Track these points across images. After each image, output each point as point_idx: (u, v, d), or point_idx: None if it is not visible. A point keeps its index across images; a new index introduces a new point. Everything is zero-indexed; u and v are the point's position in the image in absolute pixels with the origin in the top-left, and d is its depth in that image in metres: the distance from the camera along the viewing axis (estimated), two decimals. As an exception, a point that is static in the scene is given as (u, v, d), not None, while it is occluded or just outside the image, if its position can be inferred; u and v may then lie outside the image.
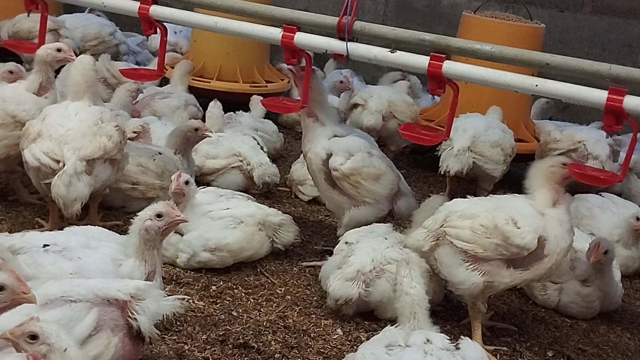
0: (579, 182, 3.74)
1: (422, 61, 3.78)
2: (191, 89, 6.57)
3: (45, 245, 3.13)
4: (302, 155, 4.56)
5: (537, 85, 3.59)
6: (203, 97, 6.54)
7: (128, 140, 5.04)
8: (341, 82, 7.80)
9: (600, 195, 5.08)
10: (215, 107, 5.83)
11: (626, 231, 4.62)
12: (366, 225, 4.10)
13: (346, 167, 4.11)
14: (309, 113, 4.24)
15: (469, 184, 5.89)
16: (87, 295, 2.67)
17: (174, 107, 6.09)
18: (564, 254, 3.49)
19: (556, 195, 3.51)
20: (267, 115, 6.27)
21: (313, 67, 4.29)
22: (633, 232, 4.59)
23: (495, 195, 3.80)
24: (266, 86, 6.97)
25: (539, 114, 7.31)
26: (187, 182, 3.98)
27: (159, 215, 3.12)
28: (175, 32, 7.82)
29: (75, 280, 2.81)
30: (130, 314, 2.74)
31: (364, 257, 3.71)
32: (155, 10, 4.32)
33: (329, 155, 4.15)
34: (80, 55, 4.34)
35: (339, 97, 7.34)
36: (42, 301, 2.61)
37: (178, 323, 3.43)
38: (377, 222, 4.28)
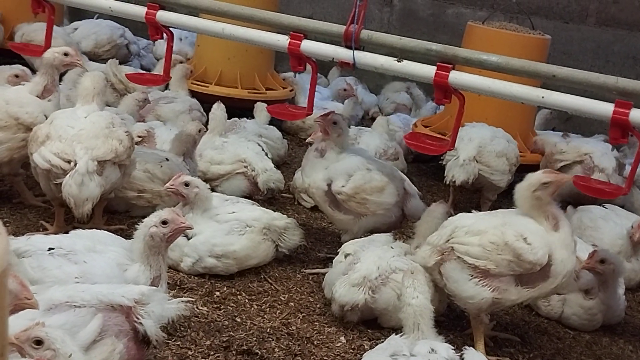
0: (583, 194, 3.73)
1: (428, 71, 3.79)
2: (191, 93, 6.60)
3: (50, 249, 3.13)
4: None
5: (543, 97, 3.60)
6: (202, 101, 6.57)
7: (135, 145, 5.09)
8: (345, 89, 7.82)
9: (603, 206, 5.08)
10: (218, 109, 5.84)
11: (627, 243, 4.62)
12: (377, 232, 4.14)
13: (348, 188, 4.14)
14: (322, 150, 4.25)
15: (472, 193, 5.89)
16: (92, 301, 2.67)
17: (179, 111, 6.11)
18: (569, 277, 3.47)
19: (553, 219, 3.46)
20: (272, 122, 6.28)
21: (339, 115, 4.31)
22: (629, 240, 4.59)
23: (499, 210, 3.79)
24: (265, 93, 6.96)
25: (543, 124, 7.32)
26: (187, 184, 3.98)
27: (164, 222, 3.12)
28: (181, 39, 7.84)
29: (79, 286, 2.81)
30: (136, 319, 2.74)
31: (370, 264, 3.71)
32: (163, 15, 4.35)
33: (330, 184, 4.18)
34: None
35: (342, 103, 7.38)
36: (46, 306, 2.61)
37: (182, 328, 3.43)
38: (387, 228, 4.33)
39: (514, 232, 3.42)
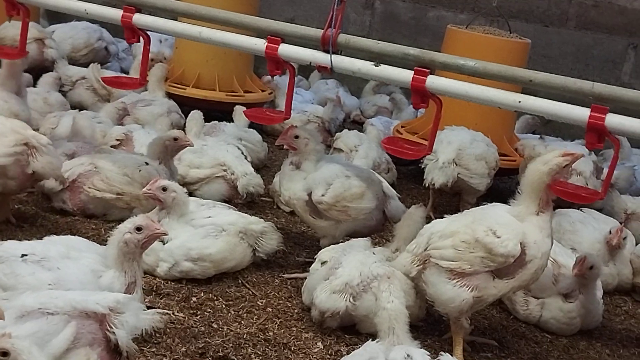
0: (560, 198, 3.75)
1: (406, 75, 3.79)
2: (169, 96, 6.56)
3: (23, 255, 3.09)
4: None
5: (520, 102, 3.61)
6: (180, 104, 6.55)
7: (113, 149, 5.06)
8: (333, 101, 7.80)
9: (581, 210, 5.11)
10: (196, 112, 5.81)
11: (605, 247, 4.65)
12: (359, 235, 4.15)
13: (329, 197, 4.14)
14: (296, 163, 4.25)
15: (452, 196, 5.91)
16: (65, 308, 2.63)
17: (157, 114, 6.07)
18: (546, 258, 3.48)
19: (545, 205, 3.46)
20: (251, 125, 6.26)
21: (298, 128, 4.30)
22: (605, 245, 4.61)
23: (471, 209, 3.80)
24: (244, 96, 6.93)
25: (524, 128, 7.35)
26: (164, 189, 3.95)
27: (138, 229, 3.10)
28: (160, 41, 7.79)
29: (53, 292, 2.77)
30: (109, 328, 2.71)
31: (352, 269, 3.68)
32: (139, 18, 4.31)
33: (310, 193, 4.17)
34: None
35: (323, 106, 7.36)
36: (18, 313, 2.58)
37: (157, 335, 3.39)
38: (369, 231, 4.35)
39: (483, 227, 3.42)
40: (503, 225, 3.43)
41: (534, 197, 3.49)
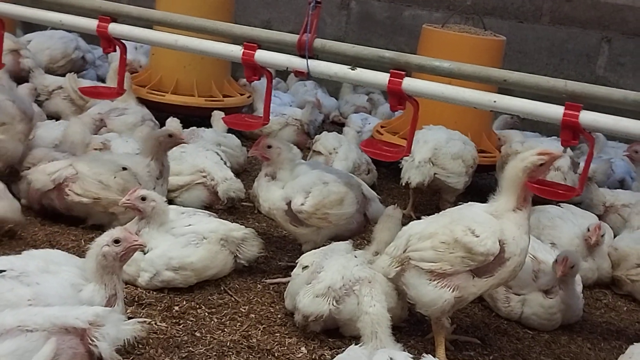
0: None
1: (382, 78, 3.80)
2: (147, 103, 6.53)
3: (1, 271, 3.06)
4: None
5: (495, 102, 3.63)
6: (159, 110, 6.52)
7: (97, 151, 5.05)
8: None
9: (559, 206, 5.16)
10: (173, 120, 5.78)
11: (583, 243, 4.70)
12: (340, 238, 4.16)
13: (308, 206, 4.12)
14: (271, 174, 4.25)
15: (431, 195, 5.94)
16: (45, 324, 2.63)
17: (131, 124, 6.02)
18: (525, 254, 3.50)
19: (523, 201, 3.50)
20: (230, 129, 6.24)
21: (269, 139, 4.31)
22: (584, 242, 4.66)
23: (448, 209, 3.82)
24: (222, 100, 6.92)
25: (503, 126, 7.41)
26: (143, 198, 3.94)
27: (116, 241, 3.09)
28: (136, 48, 7.76)
29: (31, 309, 2.76)
30: (90, 341, 2.70)
31: (334, 273, 3.69)
32: (115, 28, 4.29)
33: (289, 202, 4.17)
34: None
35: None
36: (-3, 332, 2.57)
37: (140, 346, 3.38)
38: (351, 234, 4.35)
39: (462, 227, 3.44)
40: (481, 224, 3.45)
41: (511, 194, 3.51)
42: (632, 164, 6.47)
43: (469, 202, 3.72)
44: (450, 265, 3.43)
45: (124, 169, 4.58)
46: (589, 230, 4.65)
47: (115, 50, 4.45)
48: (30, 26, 8.02)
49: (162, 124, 5.88)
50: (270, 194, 4.22)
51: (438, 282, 3.47)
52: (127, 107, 6.19)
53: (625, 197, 5.74)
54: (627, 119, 3.40)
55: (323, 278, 3.68)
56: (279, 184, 4.22)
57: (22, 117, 4.71)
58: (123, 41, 4.40)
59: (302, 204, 4.12)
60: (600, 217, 5.31)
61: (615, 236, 5.08)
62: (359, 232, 4.52)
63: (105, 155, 4.85)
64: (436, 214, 3.80)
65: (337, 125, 7.99)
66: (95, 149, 5.26)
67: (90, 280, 3.11)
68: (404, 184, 5.40)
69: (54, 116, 6.29)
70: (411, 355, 2.96)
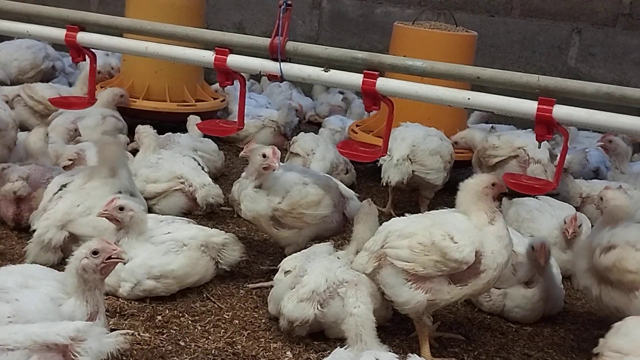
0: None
1: (355, 79, 3.81)
2: (119, 109, 6.47)
3: (-21, 289, 3.02)
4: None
5: (469, 99, 3.65)
6: (131, 116, 6.48)
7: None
8: (296, 110, 7.80)
9: (536, 198, 5.19)
10: (147, 127, 5.69)
11: (561, 234, 4.74)
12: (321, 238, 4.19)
13: (285, 205, 4.13)
14: (259, 185, 4.21)
15: (410, 192, 5.95)
16: (25, 342, 2.58)
17: (93, 126, 5.95)
18: (500, 269, 3.50)
19: (492, 214, 3.53)
20: (206, 134, 6.21)
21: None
22: (562, 235, 4.70)
23: (432, 212, 3.83)
24: (195, 105, 6.88)
25: (478, 120, 7.45)
26: (121, 208, 3.91)
27: (94, 253, 3.05)
28: (108, 54, 7.69)
29: (11, 327, 2.72)
30: (73, 357, 2.67)
31: (318, 276, 3.68)
32: (83, 37, 4.25)
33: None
34: None
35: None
36: (-22, 352, 2.53)
37: (124, 358, 3.36)
38: (331, 233, 4.37)
39: (441, 231, 3.44)
40: (461, 232, 3.45)
41: (479, 210, 3.53)
42: (606, 154, 6.53)
43: (453, 210, 3.69)
44: (423, 268, 3.42)
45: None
46: (565, 222, 4.68)
47: (85, 60, 4.41)
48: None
49: (134, 131, 5.81)
50: (256, 205, 4.18)
51: (413, 283, 3.47)
52: (84, 111, 6.02)
53: (602, 187, 5.78)
54: (600, 111, 3.43)
55: (307, 282, 3.67)
56: (263, 193, 4.19)
57: (14, 125, 4.73)
58: (92, 50, 4.36)
59: (280, 203, 4.13)
60: (577, 208, 5.35)
61: (592, 226, 5.12)
62: (340, 232, 4.52)
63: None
64: (419, 213, 3.81)
65: (314, 125, 7.99)
66: (70, 160, 5.20)
67: (70, 294, 3.07)
68: (384, 184, 5.41)
69: (20, 126, 6.16)
70: (397, 356, 2.96)
